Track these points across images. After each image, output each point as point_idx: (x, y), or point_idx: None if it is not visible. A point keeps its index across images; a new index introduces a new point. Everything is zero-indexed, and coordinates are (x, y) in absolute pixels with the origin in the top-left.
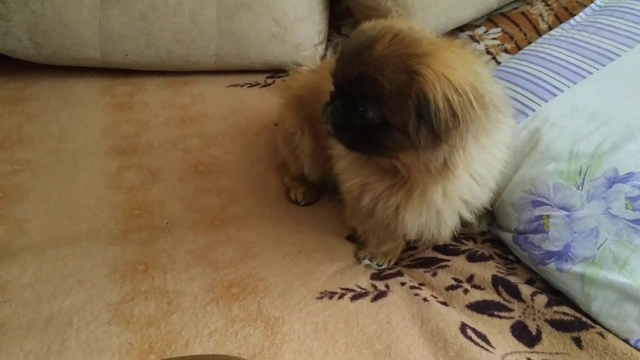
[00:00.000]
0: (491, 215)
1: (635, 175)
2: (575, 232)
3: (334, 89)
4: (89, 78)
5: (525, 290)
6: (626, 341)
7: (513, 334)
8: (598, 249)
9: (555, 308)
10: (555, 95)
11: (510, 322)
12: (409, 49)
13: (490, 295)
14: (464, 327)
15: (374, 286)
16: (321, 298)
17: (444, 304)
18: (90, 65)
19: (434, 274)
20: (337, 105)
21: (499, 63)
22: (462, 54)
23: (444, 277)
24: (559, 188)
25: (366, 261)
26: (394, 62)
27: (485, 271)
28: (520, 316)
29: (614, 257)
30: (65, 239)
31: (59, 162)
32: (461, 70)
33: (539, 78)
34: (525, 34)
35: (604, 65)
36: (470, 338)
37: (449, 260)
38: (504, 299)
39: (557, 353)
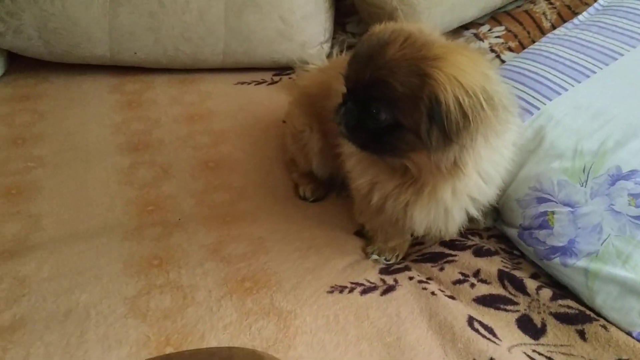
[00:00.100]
0: (496, 211)
1: (638, 173)
2: (579, 228)
3: (347, 91)
4: (98, 76)
5: (531, 284)
6: (629, 334)
7: (519, 327)
8: (601, 244)
9: (559, 301)
10: (560, 94)
11: (516, 315)
12: (420, 52)
13: (496, 289)
14: (471, 320)
15: (383, 280)
16: (332, 292)
17: (452, 297)
18: (100, 63)
19: (441, 269)
20: (350, 107)
21: (503, 61)
22: (472, 56)
23: (451, 272)
24: (563, 185)
25: (374, 256)
26: (406, 65)
27: (491, 266)
28: (525, 309)
29: (617, 252)
30: (80, 235)
31: (72, 159)
32: (472, 73)
33: (544, 77)
34: (528, 33)
35: (607, 65)
36: (477, 331)
37: (455, 255)
38: (510, 293)
39: (562, 345)
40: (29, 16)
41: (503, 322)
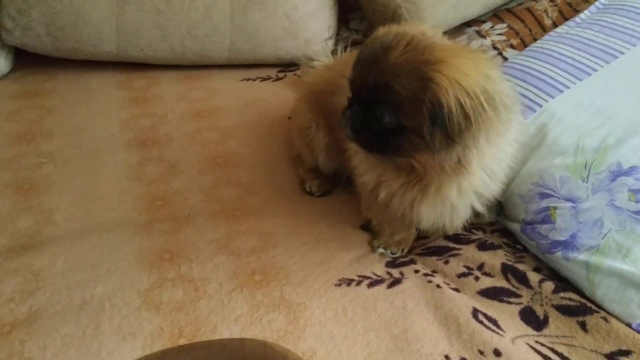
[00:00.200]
0: (499, 206)
1: (638, 169)
2: (580, 223)
3: (351, 94)
4: (105, 72)
5: (533, 277)
6: (628, 325)
7: (522, 319)
8: (602, 238)
9: (561, 294)
10: (562, 91)
11: (519, 308)
12: (423, 56)
13: (499, 282)
14: (475, 312)
15: (389, 273)
16: (340, 285)
17: (456, 290)
18: (107, 60)
19: (446, 262)
20: (355, 110)
21: (505, 59)
22: (473, 58)
23: (456, 265)
24: (565, 181)
25: (381, 250)
26: (409, 69)
27: (495, 259)
28: (528, 302)
29: (618, 246)
30: (91, 229)
31: (81, 155)
32: (473, 75)
33: (546, 75)
34: (530, 30)
35: (608, 63)
36: (481, 322)
37: (460, 249)
38: (513, 286)
39: (564, 336)
40: (37, 13)
41: (506, 314)
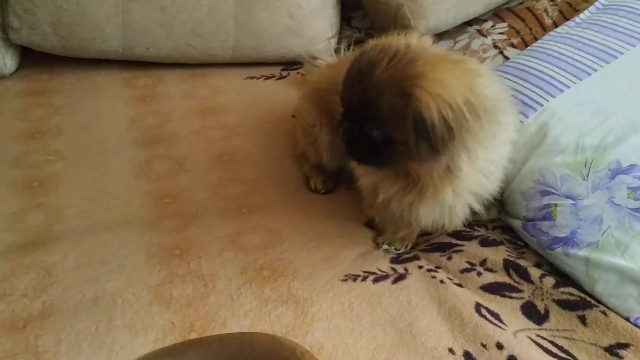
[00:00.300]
0: (500, 203)
1: (637, 167)
2: (580, 220)
3: (343, 110)
4: (111, 70)
5: (534, 272)
6: (627, 319)
7: (523, 313)
8: (602, 235)
9: (561, 289)
10: (562, 91)
11: (520, 302)
12: (404, 72)
13: (501, 277)
14: (478, 307)
15: (394, 269)
16: (346, 280)
17: (459, 285)
18: (112, 58)
19: (449, 258)
20: (347, 125)
21: (506, 57)
22: (456, 69)
23: (459, 261)
24: (565, 179)
25: (385, 246)
26: (391, 85)
27: (497, 255)
28: (529, 296)
29: (617, 242)
30: (101, 226)
31: (89, 152)
32: (454, 87)
33: (547, 74)
34: (530, 29)
35: (608, 63)
36: (484, 316)
37: (462, 245)
38: (515, 281)
39: (564, 330)
40: (43, 12)
41: (508, 308)
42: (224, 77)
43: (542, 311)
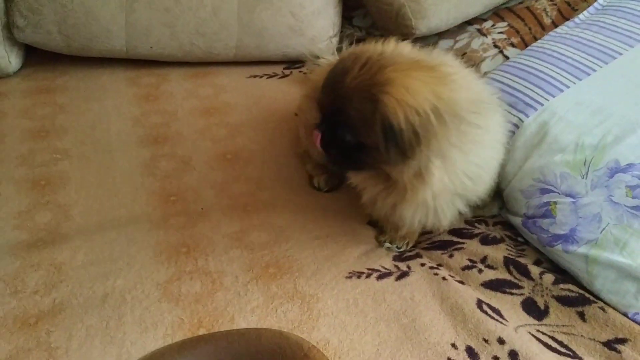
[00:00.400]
0: (501, 200)
1: (635, 166)
2: (580, 217)
3: (321, 115)
4: (114, 69)
5: (534, 269)
6: (625, 314)
7: (523, 309)
8: (601, 232)
9: (561, 285)
10: (562, 90)
11: (520, 298)
12: (374, 78)
13: (502, 274)
14: (480, 303)
15: (397, 267)
16: (350, 277)
17: (461, 282)
18: (116, 57)
19: (451, 256)
20: (323, 130)
21: (506, 57)
22: (424, 75)
23: (460, 258)
24: (565, 177)
25: (387, 244)
26: (361, 91)
27: (497, 253)
28: (529, 293)
29: (615, 239)
30: (108, 224)
31: (95, 151)
32: (421, 93)
33: (547, 74)
34: (530, 29)
35: (606, 63)
36: (486, 312)
37: (463, 243)
38: (515, 278)
39: (563, 325)
40: (48, 11)
41: (509, 304)
42: (227, 76)
43: (542, 307)
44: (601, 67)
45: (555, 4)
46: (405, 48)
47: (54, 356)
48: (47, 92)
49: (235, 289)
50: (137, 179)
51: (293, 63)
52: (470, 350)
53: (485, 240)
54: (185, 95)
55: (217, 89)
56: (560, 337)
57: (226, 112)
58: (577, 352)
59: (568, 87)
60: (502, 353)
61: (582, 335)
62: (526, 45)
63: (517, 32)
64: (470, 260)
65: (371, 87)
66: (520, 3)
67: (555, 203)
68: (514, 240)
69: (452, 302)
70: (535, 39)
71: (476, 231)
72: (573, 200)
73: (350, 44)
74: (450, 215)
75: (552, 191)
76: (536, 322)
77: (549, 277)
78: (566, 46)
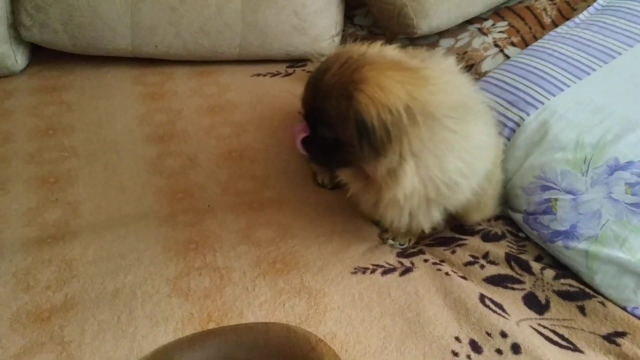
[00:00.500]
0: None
1: (635, 164)
2: (580, 214)
3: (302, 112)
4: (119, 67)
5: (535, 265)
6: (624, 309)
7: (525, 303)
8: (601, 228)
9: (562, 280)
10: (562, 90)
11: (522, 293)
12: (351, 76)
13: (504, 269)
14: (482, 298)
15: (401, 263)
16: (355, 273)
17: (464, 277)
18: (121, 56)
19: (453, 252)
20: (305, 127)
21: (507, 56)
22: (400, 75)
23: (462, 254)
24: (565, 174)
25: (390, 241)
26: (338, 89)
27: (499, 249)
28: (531, 288)
29: (615, 236)
30: (117, 221)
31: (102, 149)
32: (394, 92)
33: (547, 74)
34: (530, 28)
35: (606, 63)
36: (488, 307)
37: (465, 239)
38: (517, 273)
39: (564, 319)
40: (54, 11)
41: (511, 299)
42: (231, 74)
43: (543, 302)
44: (601, 66)
45: (555, 4)
46: (390, 51)
47: (68, 350)
48: (53, 91)
49: (244, 284)
50: (144, 177)
51: (296, 62)
52: (473, 344)
53: (487, 237)
54: (190, 94)
55: (222, 87)
56: (561, 331)
57: (231, 111)
58: (578, 345)
59: (568, 86)
60: (505, 346)
61: (582, 329)
62: (526, 45)
63: (518, 31)
64: (472, 256)
65: (348, 84)
66: (520, 2)
67: (555, 200)
68: (515, 236)
69: (455, 297)
70: (536, 38)
71: (477, 228)
72: (573, 197)
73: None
74: (428, 220)
75: (553, 188)
76: (537, 316)
77: (549, 273)
78: (566, 46)
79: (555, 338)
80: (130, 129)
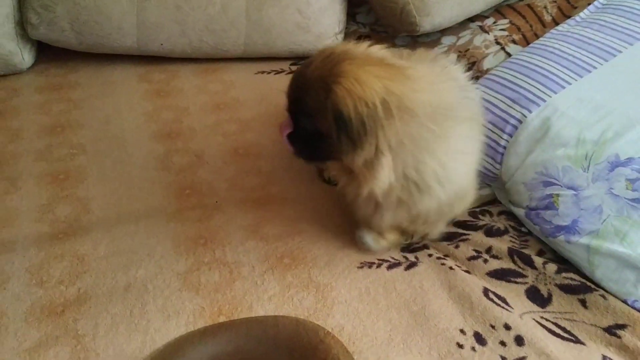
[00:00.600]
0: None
1: (635, 160)
2: (581, 209)
3: (286, 105)
4: (125, 65)
5: (538, 259)
6: (624, 302)
7: (528, 297)
8: (602, 223)
9: (563, 274)
10: (564, 87)
11: (525, 287)
12: (331, 70)
13: (507, 264)
14: (486, 291)
15: (406, 257)
16: (361, 267)
17: (467, 272)
18: (127, 54)
19: (457, 246)
20: (288, 120)
21: (508, 54)
22: (379, 71)
23: (466, 249)
24: (567, 170)
25: (364, 238)
26: (318, 81)
27: (502, 244)
28: (533, 282)
29: (616, 230)
30: (127, 217)
31: (111, 146)
32: (371, 85)
33: (549, 71)
34: (531, 26)
35: (607, 61)
36: (492, 300)
37: (469, 234)
38: (519, 267)
39: (566, 312)
40: (62, 9)
41: (514, 292)
42: (235, 72)
43: (546, 295)
44: (602, 64)
45: (556, 2)
46: (376, 50)
47: (82, 343)
48: (60, 88)
49: (253, 278)
50: (153, 173)
51: (300, 59)
52: (478, 336)
53: (490, 232)
54: (195, 91)
55: (227, 85)
56: (563, 324)
57: (236, 108)
58: (580, 337)
59: (570, 84)
60: (509, 338)
61: (583, 322)
62: (527, 42)
63: (519, 29)
64: (476, 251)
65: (327, 77)
66: (521, 0)
67: (557, 195)
68: (518, 231)
69: (460, 291)
70: (536, 36)
71: (480, 223)
72: (575, 192)
73: (358, 39)
74: (393, 222)
75: (555, 184)
76: (540, 309)
77: (551, 267)
78: (568, 44)
79: (558, 330)
80: (137, 126)
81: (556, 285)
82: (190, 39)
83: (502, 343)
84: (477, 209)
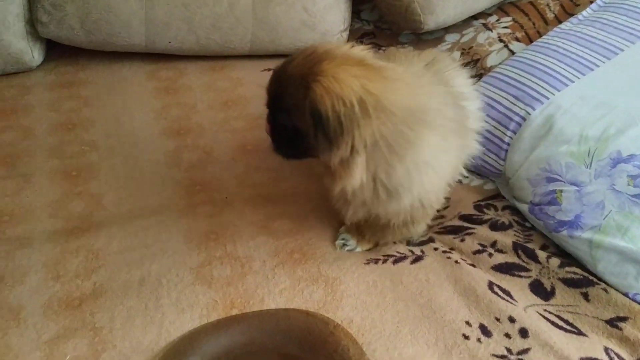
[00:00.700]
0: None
1: (637, 157)
2: (584, 205)
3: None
4: (133, 63)
5: (541, 254)
6: (626, 295)
7: (531, 290)
8: (604, 219)
9: (566, 268)
10: (567, 85)
11: (528, 281)
12: (311, 68)
13: (511, 258)
14: (491, 285)
15: (412, 251)
16: (368, 263)
17: (472, 265)
18: (136, 51)
19: (462, 240)
20: (269, 116)
21: (511, 51)
22: (358, 71)
23: (471, 243)
24: (570, 167)
25: (341, 241)
26: (297, 79)
27: (506, 238)
28: (537, 275)
29: (618, 225)
30: (139, 212)
31: (121, 143)
32: (349, 85)
33: (552, 69)
34: (534, 23)
35: (609, 59)
36: (496, 293)
37: (474, 228)
38: (523, 261)
39: (569, 305)
40: (71, 8)
41: (518, 286)
42: (242, 69)
43: (549, 288)
44: (604, 62)
45: (558, 0)
46: (358, 50)
47: (100, 335)
48: (70, 86)
49: (264, 272)
50: (163, 169)
51: None
52: (483, 328)
53: (495, 226)
54: (203, 89)
55: (234, 82)
56: (565, 316)
57: (243, 105)
58: (582, 330)
59: (572, 81)
60: (513, 331)
61: (586, 314)
62: (530, 40)
63: (522, 26)
64: (481, 245)
65: (307, 75)
66: None
67: (560, 191)
68: (522, 225)
69: (465, 284)
70: (539, 34)
71: (485, 217)
72: (577, 188)
73: (362, 36)
74: (355, 218)
75: (558, 180)
76: (543, 302)
77: (555, 261)
78: (570, 42)
79: (561, 323)
80: (147, 123)
81: (559, 279)
82: (198, 37)
83: (507, 335)
84: (482, 202)
